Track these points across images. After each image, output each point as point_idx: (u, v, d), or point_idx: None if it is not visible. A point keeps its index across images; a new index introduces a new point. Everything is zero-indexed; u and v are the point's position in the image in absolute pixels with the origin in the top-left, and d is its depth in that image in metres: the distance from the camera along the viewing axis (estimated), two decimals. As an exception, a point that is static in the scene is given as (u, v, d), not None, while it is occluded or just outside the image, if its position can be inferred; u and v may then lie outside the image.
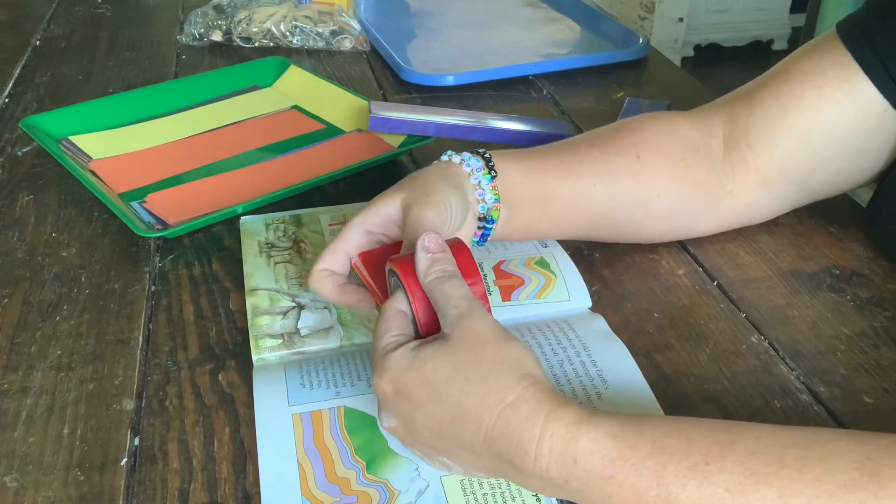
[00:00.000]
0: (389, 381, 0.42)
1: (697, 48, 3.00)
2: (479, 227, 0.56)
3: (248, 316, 0.56)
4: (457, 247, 0.47)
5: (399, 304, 0.45)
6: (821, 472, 0.35)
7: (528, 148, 0.60)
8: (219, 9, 1.09)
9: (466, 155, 0.56)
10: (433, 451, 0.43)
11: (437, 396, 0.41)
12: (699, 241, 0.65)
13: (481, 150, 0.56)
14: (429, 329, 0.45)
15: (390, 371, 0.42)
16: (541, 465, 0.38)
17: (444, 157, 0.56)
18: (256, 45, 1.06)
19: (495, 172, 0.55)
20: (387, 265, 0.47)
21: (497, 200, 0.55)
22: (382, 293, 0.49)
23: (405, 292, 0.45)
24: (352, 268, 0.52)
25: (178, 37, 1.10)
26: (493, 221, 0.56)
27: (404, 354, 0.42)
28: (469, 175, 0.55)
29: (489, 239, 0.57)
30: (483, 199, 0.55)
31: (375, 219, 0.52)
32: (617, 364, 0.52)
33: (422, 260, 0.45)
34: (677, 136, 0.60)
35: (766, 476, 0.35)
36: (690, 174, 0.59)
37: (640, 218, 0.60)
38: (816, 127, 0.58)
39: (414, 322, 0.45)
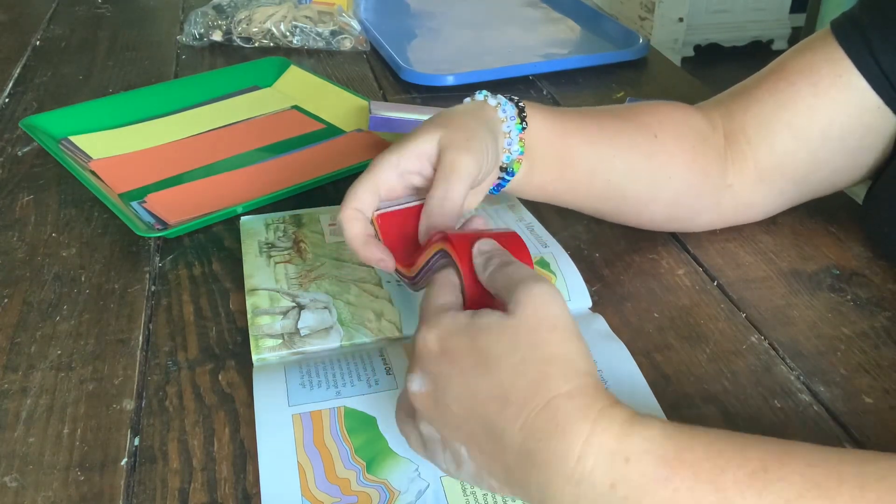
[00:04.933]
0: (438, 338, 0.39)
1: (697, 48, 3.00)
2: (497, 178, 0.54)
3: (248, 316, 0.56)
4: (515, 245, 0.44)
5: (451, 277, 0.43)
6: (881, 491, 0.33)
7: (555, 107, 0.58)
8: (219, 9, 1.09)
9: (503, 99, 0.54)
10: (453, 433, 0.39)
11: (485, 368, 0.37)
12: (699, 241, 0.65)
13: (514, 98, 0.54)
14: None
15: (443, 328, 0.39)
16: (584, 466, 0.34)
17: (479, 97, 0.54)
18: (256, 45, 1.06)
19: (526, 124, 0.53)
20: (435, 243, 0.45)
21: (522, 153, 0.53)
22: (399, 258, 0.48)
23: (458, 273, 0.43)
24: (372, 221, 0.50)
25: (178, 37, 1.10)
26: (512, 174, 0.54)
27: (462, 315, 0.39)
28: (503, 122, 0.53)
29: (501, 191, 0.56)
30: (509, 150, 0.53)
31: (411, 156, 0.49)
32: (617, 364, 0.52)
33: (479, 263, 0.42)
34: (690, 123, 0.60)
35: (828, 491, 0.33)
36: (700, 163, 0.59)
37: (647, 200, 0.60)
38: (812, 123, 0.58)
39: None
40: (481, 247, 0.43)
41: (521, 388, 0.36)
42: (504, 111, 0.53)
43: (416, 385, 0.40)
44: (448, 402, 0.38)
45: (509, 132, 0.53)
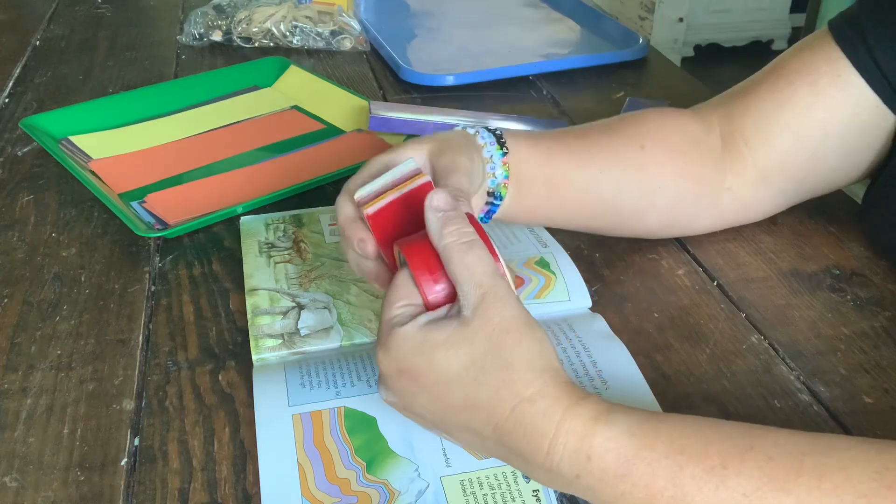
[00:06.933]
0: (394, 359, 0.40)
1: (697, 48, 3.00)
2: (486, 203, 0.55)
3: (248, 316, 0.56)
4: (470, 219, 0.42)
5: (406, 278, 0.42)
6: (839, 482, 0.34)
7: (537, 132, 0.59)
8: (219, 9, 1.09)
9: (479, 128, 0.55)
10: (429, 426, 0.43)
11: (447, 383, 0.39)
12: (699, 241, 0.65)
13: (491, 128, 0.55)
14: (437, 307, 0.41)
15: (395, 350, 0.40)
16: (552, 460, 0.38)
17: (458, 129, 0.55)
18: (256, 45, 1.06)
19: (506, 149, 0.54)
20: (395, 247, 0.44)
21: (507, 177, 0.54)
22: (389, 258, 0.46)
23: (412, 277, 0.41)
24: (364, 219, 0.47)
25: (178, 37, 1.09)
26: (500, 198, 0.54)
27: (413, 332, 0.40)
28: (483, 147, 0.53)
29: (493, 217, 0.56)
30: (493, 174, 0.54)
31: (403, 158, 0.48)
32: (617, 364, 0.52)
33: (432, 221, 0.41)
34: (680, 129, 0.60)
35: (785, 483, 0.35)
36: (692, 168, 0.60)
37: (643, 210, 0.60)
38: (810, 123, 0.58)
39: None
40: (435, 202, 0.41)
41: (486, 398, 0.38)
42: (483, 137, 0.54)
43: (384, 395, 0.44)
44: (418, 411, 0.42)
45: (491, 157, 0.54)
